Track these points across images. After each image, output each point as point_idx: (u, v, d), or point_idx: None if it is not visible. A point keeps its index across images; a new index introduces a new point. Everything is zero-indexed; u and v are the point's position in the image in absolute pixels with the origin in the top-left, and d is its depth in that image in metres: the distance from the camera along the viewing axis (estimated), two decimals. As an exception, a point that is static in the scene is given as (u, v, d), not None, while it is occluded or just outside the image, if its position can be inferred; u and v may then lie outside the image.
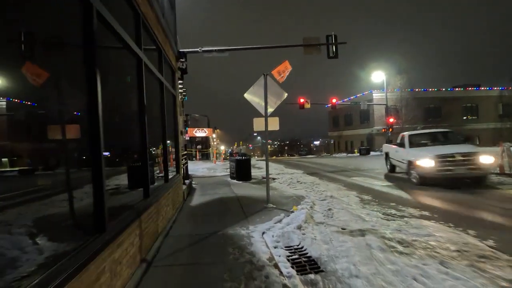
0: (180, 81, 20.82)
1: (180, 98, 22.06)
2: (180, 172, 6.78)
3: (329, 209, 5.84)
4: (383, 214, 5.43)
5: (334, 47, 13.29)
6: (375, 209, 5.89)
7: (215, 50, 12.55)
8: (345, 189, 8.33)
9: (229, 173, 12.73)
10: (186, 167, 9.56)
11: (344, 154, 36.57)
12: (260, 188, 8.76)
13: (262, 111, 6.04)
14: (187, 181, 8.79)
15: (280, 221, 5.01)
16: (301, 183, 9.62)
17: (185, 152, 9.36)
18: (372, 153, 31.44)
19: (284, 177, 11.08)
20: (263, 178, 10.87)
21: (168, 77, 6.10)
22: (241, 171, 10.14)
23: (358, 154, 32.48)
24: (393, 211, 5.61)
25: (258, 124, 6.19)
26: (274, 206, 6.04)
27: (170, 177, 5.71)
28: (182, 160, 8.89)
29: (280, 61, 6.25)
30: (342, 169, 14.29)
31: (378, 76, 31.12)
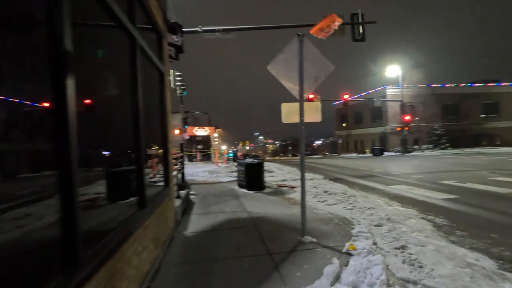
0: (178, 73, 18.66)
1: (179, 93, 19.97)
2: (170, 184, 4.64)
3: (403, 247, 3.69)
4: (501, 260, 3.28)
5: (360, 27, 11.17)
6: (475, 245, 3.75)
7: (219, 30, 10.45)
8: (396, 204, 6.19)
9: (235, 179, 10.61)
10: (183, 174, 7.43)
11: (355, 155, 34.37)
12: (280, 202, 6.62)
13: (295, 92, 3.89)
14: (182, 192, 6.66)
15: (338, 278, 2.87)
16: (330, 194, 7.46)
17: (181, 155, 7.23)
18: (385, 153, 29.24)
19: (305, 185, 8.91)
20: (279, 186, 8.72)
21: (150, 40, 3.96)
22: (252, 178, 7.99)
23: (371, 154, 30.29)
24: (513, 254, 3.45)
25: (288, 112, 4.03)
26: (315, 241, 3.89)
27: (152, 193, 3.60)
28: (177, 165, 6.77)
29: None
30: (369, 173, 12.11)
31: (392, 70, 28.97)
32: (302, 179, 4.10)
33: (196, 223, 4.98)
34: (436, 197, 6.70)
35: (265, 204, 6.34)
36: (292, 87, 3.91)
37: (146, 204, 3.09)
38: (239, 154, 17.92)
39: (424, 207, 5.80)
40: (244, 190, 7.99)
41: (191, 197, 7.43)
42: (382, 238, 4.06)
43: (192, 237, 4.30)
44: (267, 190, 8.10)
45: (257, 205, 6.26)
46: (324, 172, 13.25)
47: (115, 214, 2.52)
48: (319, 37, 3.74)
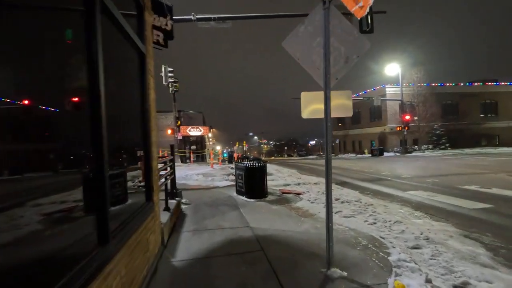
0: (170, 69, 17.67)
1: (171, 90, 18.98)
2: (154, 198, 3.62)
3: (466, 285, 2.75)
4: None
5: (368, 18, 10.28)
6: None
7: (214, 18, 9.43)
8: (424, 215, 5.27)
9: (232, 183, 9.64)
10: (173, 180, 6.41)
11: (353, 155, 33.64)
12: (287, 214, 5.64)
13: (318, 78, 2.92)
14: (172, 202, 5.66)
15: None
16: (342, 202, 6.52)
17: (171, 158, 6.20)
18: (385, 153, 28.52)
19: (311, 190, 7.98)
20: (282, 193, 7.74)
21: (126, 11, 2.95)
22: (253, 184, 7.01)
23: (370, 155, 29.56)
24: None
25: (309, 104, 3.05)
26: (345, 275, 2.92)
27: (124, 215, 2.61)
28: (167, 169, 5.76)
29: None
30: (376, 176, 11.23)
31: (392, 68, 28.25)
32: (328, 192, 3.12)
33: (187, 246, 3.97)
34: (467, 206, 5.81)
35: (270, 217, 5.36)
36: (314, 70, 2.93)
37: (109, 237, 2.07)
38: (235, 155, 16.85)
39: (460, 221, 4.89)
40: (244, 198, 7.00)
41: (183, 207, 6.42)
42: (429, 268, 3.11)
43: (181, 268, 3.28)
44: (269, 197, 7.12)
45: (260, 218, 5.27)
46: (328, 175, 12.31)
47: (49, 267, 1.51)
48: (351, 10, 2.78)
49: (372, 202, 6.43)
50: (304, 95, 3.03)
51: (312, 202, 6.66)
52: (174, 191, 6.80)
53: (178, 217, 5.55)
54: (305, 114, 3.02)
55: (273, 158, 75.68)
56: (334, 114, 2.92)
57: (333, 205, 6.31)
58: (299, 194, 7.53)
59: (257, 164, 7.02)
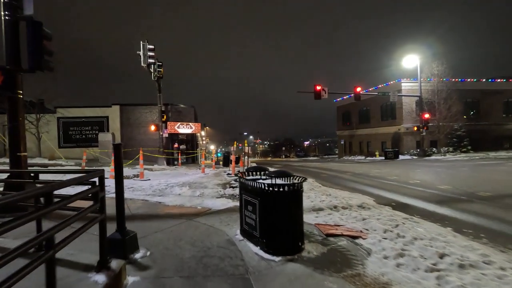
0: (150, 46, 14.09)
1: (154, 76, 15.40)
2: None
3: None
4: None
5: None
6: None
7: None
8: None
9: (231, 204, 6.31)
10: (103, 225, 2.96)
11: (362, 157, 30.43)
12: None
13: None
14: (99, 281, 2.25)
15: None
16: (462, 265, 3.15)
17: (99, 173, 2.75)
18: (401, 156, 25.35)
19: (369, 225, 4.62)
20: (326, 235, 4.32)
21: None
22: (277, 225, 3.57)
23: (383, 157, 26.37)
24: None
25: None
26: None
27: None
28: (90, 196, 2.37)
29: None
30: (437, 193, 7.91)
31: (410, 60, 25.01)
32: None
33: None
34: None
35: None
36: None
37: None
38: (233, 157, 13.33)
39: None
40: (258, 252, 3.59)
41: (131, 280, 2.98)
42: None
43: None
44: (308, 249, 3.72)
45: None
46: (360, 188, 8.97)
47: None
48: None
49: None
50: None
51: (398, 265, 3.28)
52: (120, 237, 3.40)
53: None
54: None
55: (269, 159, 72.35)
56: None
57: (450, 276, 2.92)
58: (355, 237, 4.15)
59: (283, 187, 3.57)
